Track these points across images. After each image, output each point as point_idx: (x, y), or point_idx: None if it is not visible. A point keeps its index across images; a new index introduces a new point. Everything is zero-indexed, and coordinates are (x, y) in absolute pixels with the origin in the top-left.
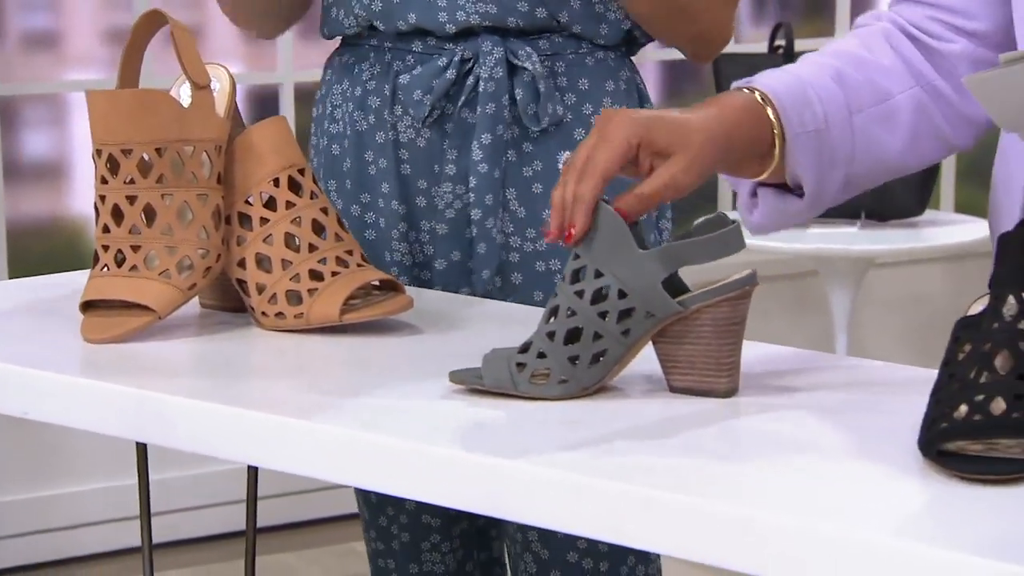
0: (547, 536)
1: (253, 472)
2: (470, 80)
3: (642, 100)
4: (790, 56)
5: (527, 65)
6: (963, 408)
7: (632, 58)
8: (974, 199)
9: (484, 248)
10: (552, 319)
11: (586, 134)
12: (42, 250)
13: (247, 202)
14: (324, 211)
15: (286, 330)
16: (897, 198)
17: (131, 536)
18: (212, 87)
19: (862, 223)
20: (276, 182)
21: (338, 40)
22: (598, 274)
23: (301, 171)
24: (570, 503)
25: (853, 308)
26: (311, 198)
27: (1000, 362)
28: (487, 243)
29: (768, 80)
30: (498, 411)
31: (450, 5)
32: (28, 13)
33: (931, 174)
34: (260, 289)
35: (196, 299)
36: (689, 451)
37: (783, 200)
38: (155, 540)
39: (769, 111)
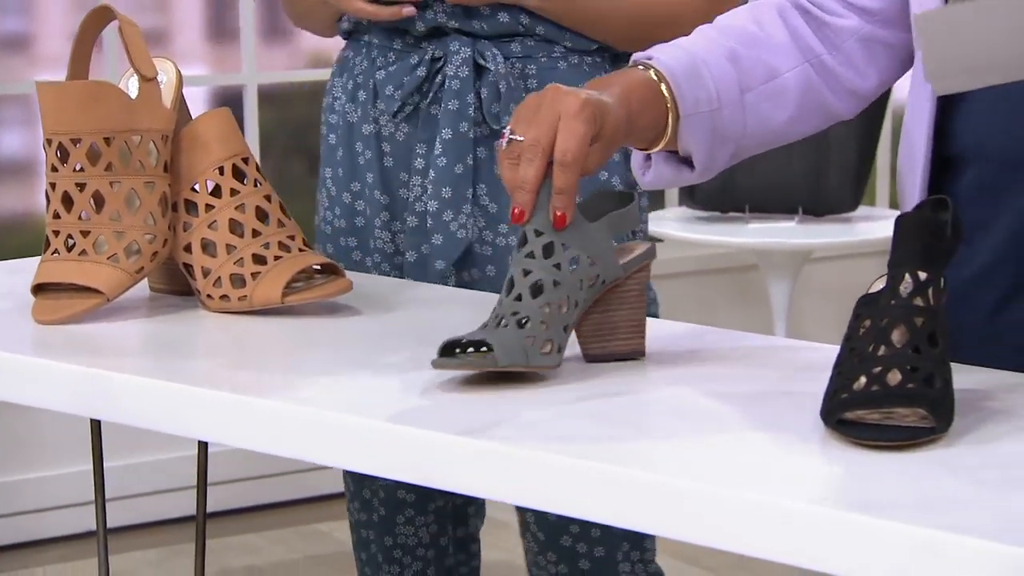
0: (541, 518)
1: (203, 454)
2: (439, 78)
3: None
4: None
5: (491, 66)
6: (862, 379)
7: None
8: None
9: (440, 240)
10: (539, 293)
11: None
12: (15, 244)
13: (193, 189)
14: (267, 198)
15: (231, 312)
16: (832, 194)
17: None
18: (159, 80)
19: (799, 218)
20: (221, 170)
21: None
22: (565, 247)
23: (245, 160)
24: (495, 472)
25: (791, 299)
26: (255, 186)
27: (897, 336)
28: (443, 235)
29: (665, 58)
30: (427, 387)
31: (421, 6)
32: (1, 16)
33: (865, 171)
34: (206, 273)
35: (145, 282)
36: (607, 421)
37: (675, 168)
38: (121, 523)
39: (664, 89)
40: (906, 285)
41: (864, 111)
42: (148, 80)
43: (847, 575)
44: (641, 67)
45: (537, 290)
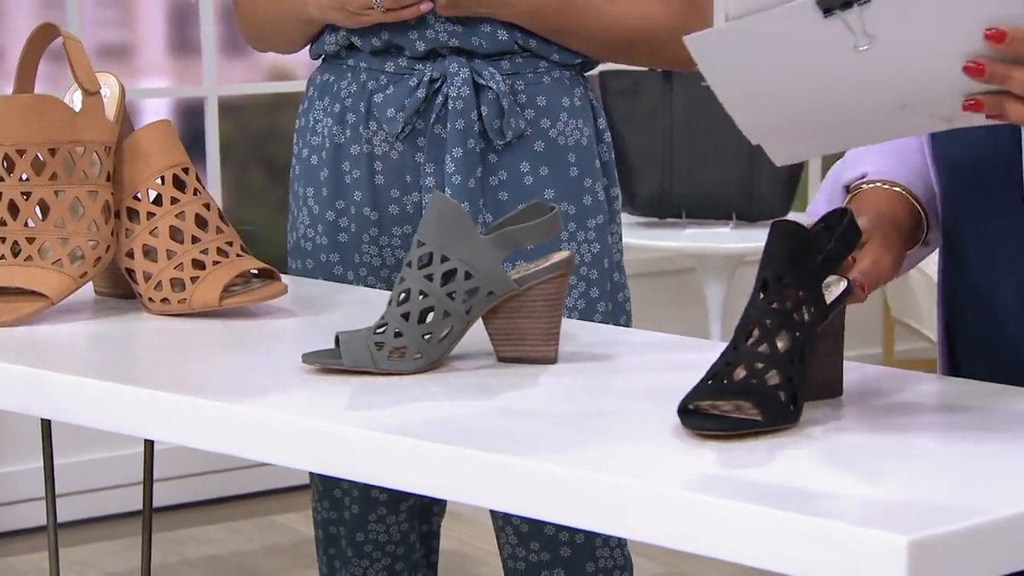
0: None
1: (149, 451)
2: (439, 99)
3: (595, 115)
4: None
5: (491, 84)
6: (712, 374)
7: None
8: None
9: None
10: (405, 302)
11: (544, 147)
12: None
13: (135, 198)
14: (207, 206)
15: (171, 314)
16: (764, 200)
17: (66, 511)
18: (103, 93)
19: (734, 224)
20: (162, 180)
21: (320, 60)
22: (444, 259)
23: (185, 170)
24: (414, 465)
25: (726, 300)
26: (194, 194)
27: (755, 334)
28: None
29: (888, 169)
30: (354, 385)
31: (420, 25)
32: None
33: (795, 178)
34: (147, 277)
35: (90, 286)
36: (517, 417)
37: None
38: (86, 515)
39: (915, 203)
40: (769, 290)
41: None
42: (91, 94)
43: (732, 559)
44: (881, 184)
45: (402, 299)
